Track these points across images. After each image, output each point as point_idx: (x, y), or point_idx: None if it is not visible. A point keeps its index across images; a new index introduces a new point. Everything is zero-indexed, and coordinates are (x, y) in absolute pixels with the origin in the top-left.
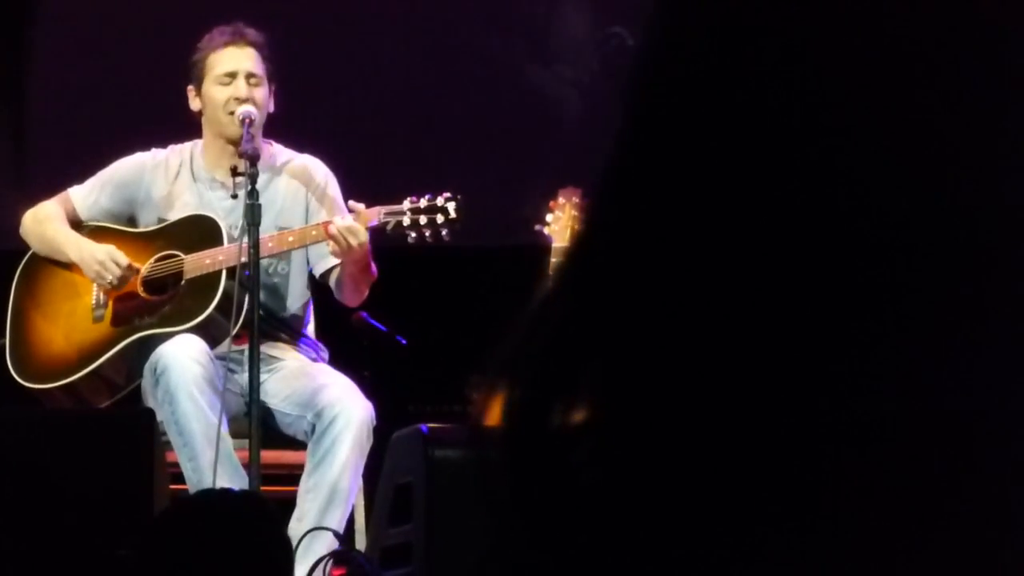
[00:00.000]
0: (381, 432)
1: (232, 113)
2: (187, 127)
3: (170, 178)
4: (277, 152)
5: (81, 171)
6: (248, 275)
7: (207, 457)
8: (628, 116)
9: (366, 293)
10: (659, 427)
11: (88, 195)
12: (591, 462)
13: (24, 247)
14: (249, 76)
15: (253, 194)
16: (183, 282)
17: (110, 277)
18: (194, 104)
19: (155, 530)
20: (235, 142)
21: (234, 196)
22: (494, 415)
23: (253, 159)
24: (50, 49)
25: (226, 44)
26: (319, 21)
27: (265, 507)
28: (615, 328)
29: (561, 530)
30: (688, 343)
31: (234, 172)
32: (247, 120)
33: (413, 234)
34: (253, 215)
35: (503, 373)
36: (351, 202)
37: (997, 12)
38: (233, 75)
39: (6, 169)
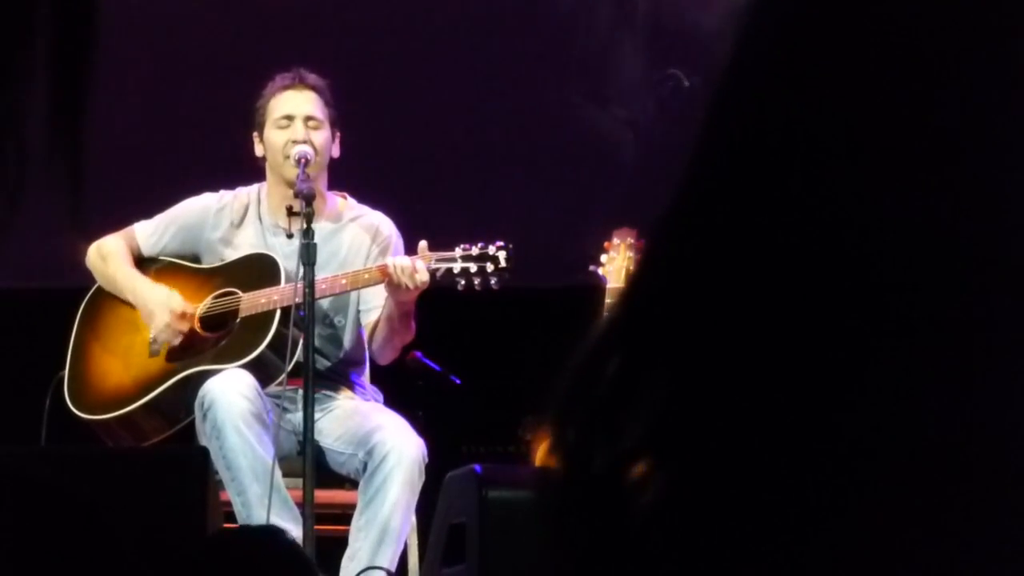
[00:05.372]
0: (434, 472)
1: (288, 156)
2: (247, 171)
3: (235, 220)
4: (349, 206)
5: (139, 209)
6: (303, 315)
7: (255, 491)
8: (699, 157)
9: (399, 349)
10: (724, 478)
11: (152, 234)
12: (655, 513)
13: (82, 283)
14: (308, 119)
15: (308, 233)
16: (238, 320)
17: (162, 328)
18: (258, 150)
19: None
20: (293, 184)
21: (289, 236)
22: (546, 457)
23: (308, 199)
24: (110, 86)
25: (285, 88)
26: (374, 60)
27: (282, 538)
28: (672, 374)
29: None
30: (748, 389)
31: (289, 212)
32: (302, 160)
33: (463, 282)
34: (308, 255)
35: (559, 416)
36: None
37: (1002, 14)
38: (291, 118)
39: (64, 206)
